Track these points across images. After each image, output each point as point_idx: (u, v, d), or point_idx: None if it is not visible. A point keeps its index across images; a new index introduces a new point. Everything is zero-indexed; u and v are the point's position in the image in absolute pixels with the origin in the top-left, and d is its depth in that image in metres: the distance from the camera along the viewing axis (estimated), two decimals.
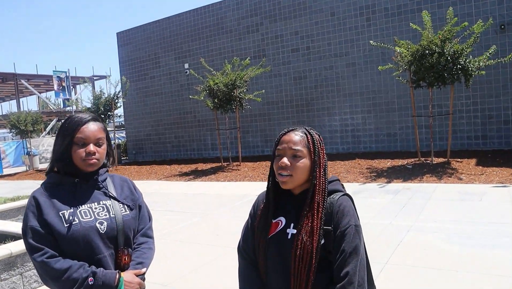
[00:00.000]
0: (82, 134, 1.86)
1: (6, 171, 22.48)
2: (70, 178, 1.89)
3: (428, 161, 10.98)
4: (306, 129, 1.76)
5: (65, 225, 1.76)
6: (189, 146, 19.02)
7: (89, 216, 1.83)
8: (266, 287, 1.74)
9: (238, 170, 13.36)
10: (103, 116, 17.62)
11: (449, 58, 9.85)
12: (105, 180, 1.99)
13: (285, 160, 1.69)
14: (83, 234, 1.78)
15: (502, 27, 12.30)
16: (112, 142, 17.08)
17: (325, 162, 1.77)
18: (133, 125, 21.10)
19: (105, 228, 1.84)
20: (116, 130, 22.67)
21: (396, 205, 7.46)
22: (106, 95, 17.79)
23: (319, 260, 1.62)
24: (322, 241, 1.64)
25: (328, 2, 15.00)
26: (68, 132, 1.87)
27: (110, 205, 1.91)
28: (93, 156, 1.87)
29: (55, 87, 27.39)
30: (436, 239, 5.48)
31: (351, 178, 10.29)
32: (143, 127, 20.60)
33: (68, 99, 24.51)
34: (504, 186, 8.30)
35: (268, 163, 13.08)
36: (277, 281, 1.70)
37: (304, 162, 1.70)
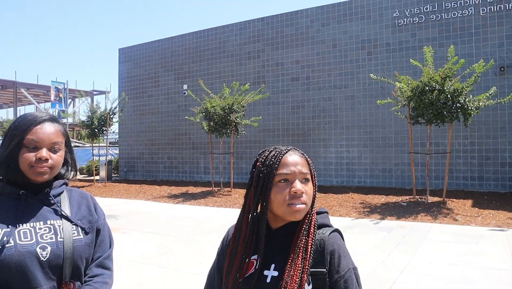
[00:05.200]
0: (34, 135, 1.53)
1: None
2: (13, 188, 1.54)
3: (423, 200, 10.73)
4: (298, 150, 1.48)
5: None
6: (181, 168, 18.70)
7: (29, 238, 1.48)
8: None
9: (229, 195, 13.04)
10: (97, 130, 17.35)
11: (449, 96, 9.75)
12: (59, 194, 1.64)
13: (300, 186, 1.37)
14: (18, 260, 1.43)
15: (502, 69, 12.31)
16: (104, 158, 16.73)
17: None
18: (127, 142, 20.82)
19: (48, 255, 1.48)
20: (109, 146, 22.38)
21: (389, 243, 7.15)
22: (102, 110, 17.56)
23: None
24: (310, 287, 1.33)
25: (331, 34, 15.04)
26: (17, 132, 1.53)
27: (59, 226, 1.55)
28: (45, 163, 1.52)
29: (52, 97, 27.20)
30: (432, 282, 5.17)
31: (343, 212, 9.99)
32: (136, 145, 20.31)
33: (63, 111, 24.29)
34: (502, 230, 8.03)
35: None
36: None
37: (311, 187, 1.42)
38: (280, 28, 16.13)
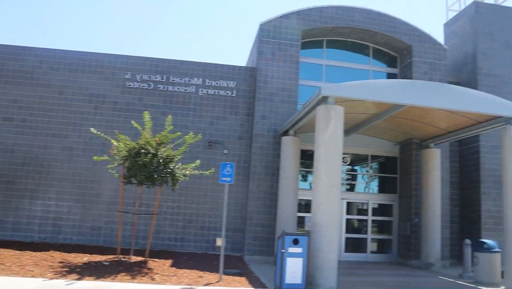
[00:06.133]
0: None
1: None
2: None
3: (126, 259, 10.85)
4: None
5: None
6: None
7: None
8: None
9: None
10: None
11: (161, 160, 10.50)
12: None
13: None
14: None
15: (210, 144, 14.23)
16: None
17: None
18: None
19: None
20: None
21: None
22: None
23: None
24: None
25: (59, 80, 14.37)
26: None
27: None
28: None
29: None
30: None
31: (37, 272, 9.06)
32: None
33: None
34: (191, 288, 8.78)
35: None
36: None
37: None
38: (2, 60, 14.40)
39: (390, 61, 16.79)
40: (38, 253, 11.09)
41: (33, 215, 13.51)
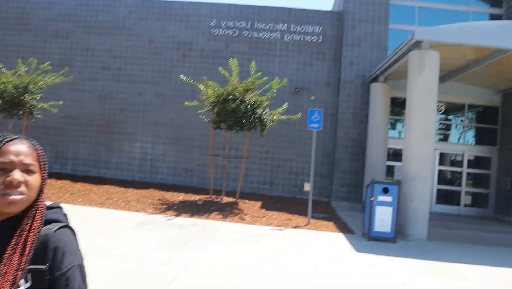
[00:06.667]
0: None
1: None
2: None
3: (218, 200, 11.40)
4: (28, 140, 1.39)
5: None
6: None
7: None
8: None
9: None
10: None
11: (249, 106, 10.62)
12: None
13: (18, 175, 1.28)
14: None
15: (296, 90, 14.08)
16: None
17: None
18: None
19: None
20: None
21: (179, 240, 7.36)
22: None
23: None
24: (28, 284, 1.26)
25: (148, 30, 14.83)
26: None
27: None
28: None
29: None
30: (209, 278, 5.51)
31: (140, 208, 9.90)
32: None
33: None
34: (280, 229, 9.09)
35: (58, 181, 11.74)
36: None
37: (37, 179, 1.34)
38: (95, 12, 15.14)
39: (494, 0, 15.15)
40: (140, 191, 12.05)
41: (133, 157, 14.56)
